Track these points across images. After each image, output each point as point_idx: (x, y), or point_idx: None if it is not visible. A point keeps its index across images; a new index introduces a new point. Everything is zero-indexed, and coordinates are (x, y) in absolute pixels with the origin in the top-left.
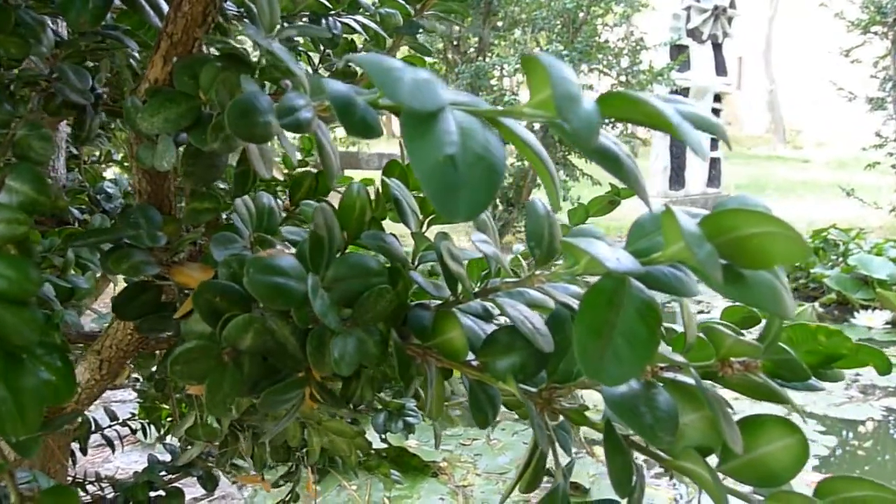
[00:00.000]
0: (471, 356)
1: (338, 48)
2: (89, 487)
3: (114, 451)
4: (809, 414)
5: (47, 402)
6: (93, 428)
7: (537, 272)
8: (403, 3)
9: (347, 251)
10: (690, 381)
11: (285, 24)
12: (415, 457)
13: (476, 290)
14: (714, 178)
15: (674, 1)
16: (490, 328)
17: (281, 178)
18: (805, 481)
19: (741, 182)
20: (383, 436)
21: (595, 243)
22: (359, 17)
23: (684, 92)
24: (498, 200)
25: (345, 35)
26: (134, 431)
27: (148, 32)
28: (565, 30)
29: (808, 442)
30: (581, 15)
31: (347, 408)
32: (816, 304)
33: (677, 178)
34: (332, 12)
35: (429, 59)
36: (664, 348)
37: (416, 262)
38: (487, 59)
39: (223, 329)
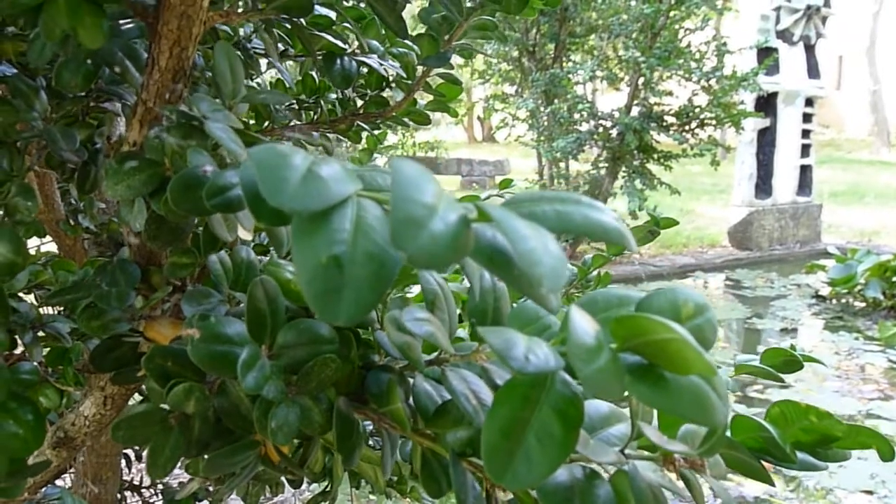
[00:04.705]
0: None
1: (372, 79)
2: (144, 492)
3: None
4: None
5: (13, 453)
6: None
7: (480, 348)
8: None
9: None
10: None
11: (305, 63)
12: None
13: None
14: (805, 185)
15: (760, 3)
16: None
17: (250, 237)
18: None
19: (837, 189)
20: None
21: (508, 337)
22: (374, 56)
23: (772, 96)
24: None
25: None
26: None
27: None
28: (643, 35)
29: None
30: (660, 20)
31: (302, 471)
32: None
33: (764, 185)
34: (347, 52)
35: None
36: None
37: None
38: (564, 66)
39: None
